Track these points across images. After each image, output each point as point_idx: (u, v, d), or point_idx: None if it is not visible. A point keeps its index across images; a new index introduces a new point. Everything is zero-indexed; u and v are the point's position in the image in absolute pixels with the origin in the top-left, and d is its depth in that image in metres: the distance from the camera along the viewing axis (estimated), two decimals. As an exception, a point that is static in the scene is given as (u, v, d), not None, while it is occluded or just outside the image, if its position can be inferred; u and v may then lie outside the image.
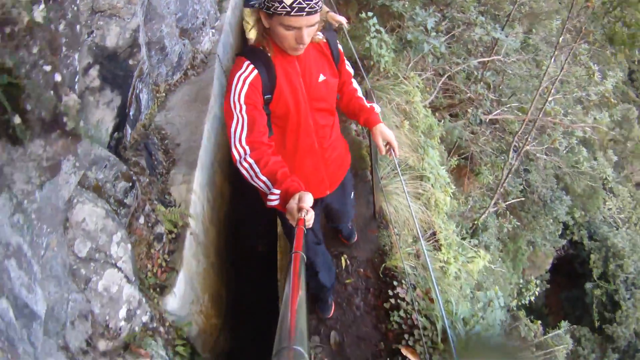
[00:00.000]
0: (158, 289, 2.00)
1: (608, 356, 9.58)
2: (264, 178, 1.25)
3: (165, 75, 3.21)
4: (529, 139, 5.13)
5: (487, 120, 5.33)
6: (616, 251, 10.58)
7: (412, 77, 3.63)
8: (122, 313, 1.64)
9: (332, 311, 2.34)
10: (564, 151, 6.49)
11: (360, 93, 1.74)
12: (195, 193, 2.52)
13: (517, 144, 5.33)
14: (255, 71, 1.32)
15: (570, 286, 11.45)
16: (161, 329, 1.89)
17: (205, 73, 3.53)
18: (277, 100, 1.39)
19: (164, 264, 2.09)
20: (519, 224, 7.78)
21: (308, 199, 1.10)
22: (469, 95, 4.83)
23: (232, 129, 1.31)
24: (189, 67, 3.49)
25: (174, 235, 2.23)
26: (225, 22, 4.15)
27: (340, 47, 1.60)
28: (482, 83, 4.91)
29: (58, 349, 1.28)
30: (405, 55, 3.80)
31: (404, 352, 2.10)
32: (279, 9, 1.18)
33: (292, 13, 1.17)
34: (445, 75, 4.65)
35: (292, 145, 1.52)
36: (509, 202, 7.09)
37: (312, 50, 1.46)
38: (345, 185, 1.90)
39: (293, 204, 1.10)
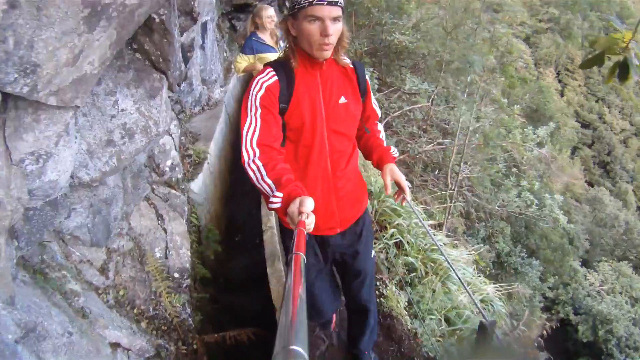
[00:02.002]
0: (187, 180, 3.04)
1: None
2: (269, 181, 1.27)
3: (190, 104, 4.70)
4: (461, 165, 6.50)
5: (423, 152, 6.80)
6: (603, 318, 10.81)
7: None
8: (168, 163, 2.70)
9: None
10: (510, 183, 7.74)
11: (382, 136, 1.70)
12: (211, 150, 3.71)
13: (454, 170, 6.68)
14: (275, 77, 1.37)
15: (567, 368, 11.17)
16: (186, 194, 2.88)
17: (216, 109, 5.08)
18: (292, 111, 1.40)
19: (191, 170, 3.18)
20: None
21: (309, 203, 1.12)
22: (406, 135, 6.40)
23: (245, 130, 1.35)
24: (205, 105, 5.04)
25: (197, 161, 3.35)
26: (229, 89, 5.97)
27: (368, 80, 1.60)
28: (415, 126, 6.58)
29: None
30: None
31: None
32: (302, 2, 1.28)
33: (314, 2, 1.26)
34: (385, 120, 6.32)
35: (303, 162, 1.48)
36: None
37: (336, 71, 1.48)
38: (362, 235, 1.74)
39: (294, 207, 1.12)
